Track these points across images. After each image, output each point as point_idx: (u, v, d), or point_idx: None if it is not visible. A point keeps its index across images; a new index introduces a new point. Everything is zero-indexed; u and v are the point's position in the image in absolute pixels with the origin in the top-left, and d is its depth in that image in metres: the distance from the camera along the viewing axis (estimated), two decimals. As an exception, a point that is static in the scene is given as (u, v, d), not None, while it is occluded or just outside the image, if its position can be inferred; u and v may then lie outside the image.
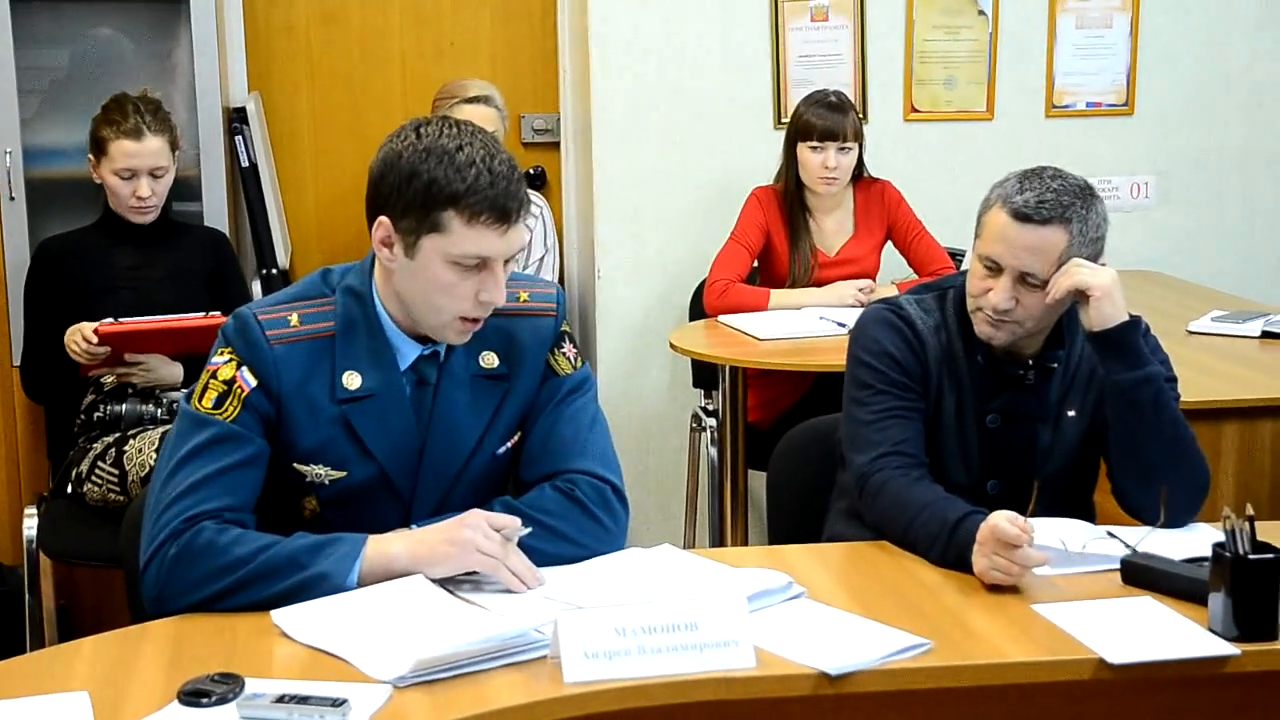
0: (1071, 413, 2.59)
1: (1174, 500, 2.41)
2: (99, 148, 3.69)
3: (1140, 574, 2.23)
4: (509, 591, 2.13)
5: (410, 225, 2.18)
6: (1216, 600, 2.06)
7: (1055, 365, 2.58)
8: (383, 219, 2.20)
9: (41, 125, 4.15)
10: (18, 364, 3.94)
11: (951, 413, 2.58)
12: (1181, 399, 2.58)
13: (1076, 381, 2.60)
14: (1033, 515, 2.26)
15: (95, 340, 3.49)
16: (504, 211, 2.16)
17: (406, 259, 2.20)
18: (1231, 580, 2.04)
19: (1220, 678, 2.05)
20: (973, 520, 2.28)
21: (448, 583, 2.15)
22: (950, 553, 2.31)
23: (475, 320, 2.24)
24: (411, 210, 2.17)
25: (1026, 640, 2.07)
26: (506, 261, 2.22)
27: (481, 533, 2.14)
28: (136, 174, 3.68)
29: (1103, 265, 2.49)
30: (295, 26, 4.77)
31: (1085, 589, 2.23)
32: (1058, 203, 2.46)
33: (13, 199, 4.07)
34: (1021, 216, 2.46)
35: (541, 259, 4.47)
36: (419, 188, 2.16)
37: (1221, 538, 2.08)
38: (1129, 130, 4.91)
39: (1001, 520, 2.20)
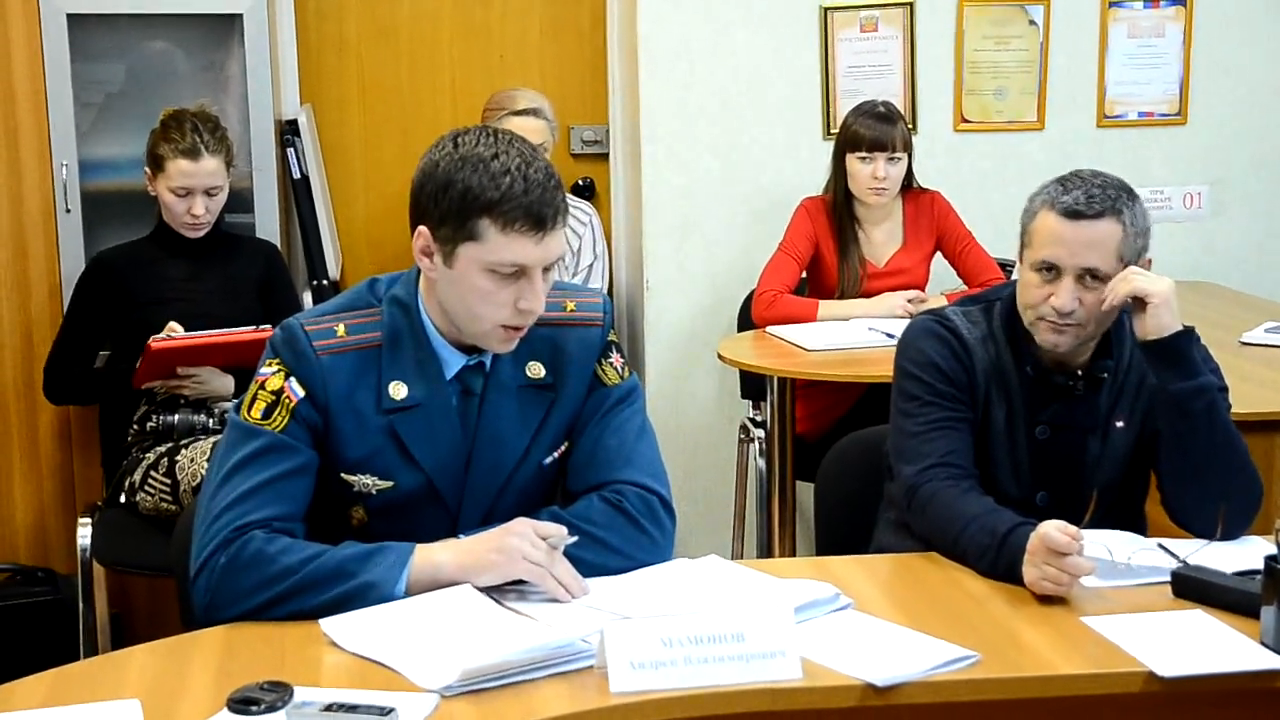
0: (1120, 423, 2.58)
1: (1226, 512, 2.40)
2: (156, 164, 3.73)
3: (1191, 586, 2.22)
4: (555, 601, 2.14)
5: (447, 234, 2.19)
6: (1269, 613, 2.04)
7: (1105, 375, 2.57)
8: (422, 228, 2.22)
9: (97, 138, 4.20)
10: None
11: (1001, 424, 2.57)
12: (1234, 410, 2.56)
13: (1125, 392, 2.59)
14: (1089, 524, 2.24)
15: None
16: (539, 218, 2.17)
17: (446, 268, 2.21)
18: (1284, 593, 2.03)
19: (1272, 692, 2.03)
20: (1022, 531, 2.27)
21: (494, 592, 2.15)
22: (1000, 564, 2.30)
23: (517, 329, 2.25)
24: (448, 219, 2.18)
25: (1075, 653, 2.05)
26: (547, 270, 2.22)
27: (528, 541, 2.15)
28: (192, 193, 3.72)
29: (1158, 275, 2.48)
30: (347, 40, 4.81)
31: (1135, 601, 2.21)
32: (1105, 196, 2.47)
33: (68, 211, 4.12)
34: (1074, 214, 2.46)
35: (591, 265, 4.49)
36: (454, 196, 2.17)
37: (1274, 550, 2.06)
38: (1182, 140, 4.88)
39: (1051, 529, 2.20)
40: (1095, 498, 2.36)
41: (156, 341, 3.53)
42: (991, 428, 2.57)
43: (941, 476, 2.49)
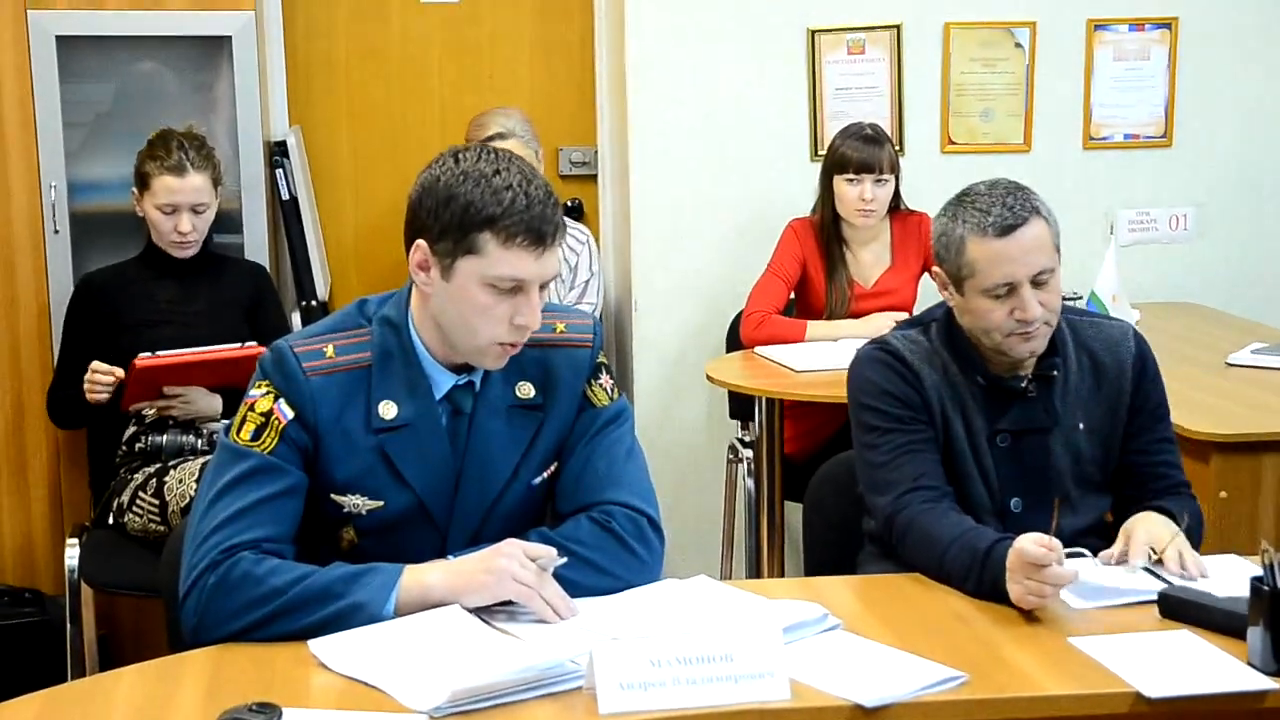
0: (1081, 425, 2.61)
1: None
2: (142, 182, 3.74)
3: (1178, 607, 2.22)
4: (544, 622, 2.14)
5: (447, 248, 2.20)
6: (1255, 634, 2.05)
7: (1055, 373, 2.60)
8: (420, 242, 2.23)
9: (86, 159, 4.20)
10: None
11: (962, 437, 2.59)
12: (1220, 431, 2.58)
13: (1081, 395, 2.62)
14: (1057, 531, 2.25)
15: (109, 376, 3.57)
16: (539, 234, 2.18)
17: (443, 282, 2.22)
18: (1270, 614, 2.03)
19: (1259, 712, 2.03)
20: (1002, 547, 2.29)
21: (483, 613, 2.15)
22: (985, 582, 2.31)
23: (512, 345, 2.26)
24: (448, 232, 2.19)
25: (1062, 673, 2.06)
26: (542, 287, 2.24)
27: (517, 562, 2.15)
28: (178, 209, 3.72)
29: None
30: (336, 61, 4.82)
31: (1122, 622, 2.22)
32: (1019, 201, 2.52)
33: (57, 232, 4.12)
34: (1007, 229, 2.49)
35: (587, 282, 4.51)
36: (456, 210, 2.18)
37: (1260, 571, 2.07)
38: (1167, 162, 4.90)
39: (1027, 543, 2.21)
40: (1058, 505, 2.38)
41: (141, 360, 3.54)
42: (953, 443, 2.59)
43: (916, 501, 2.50)
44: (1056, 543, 2.21)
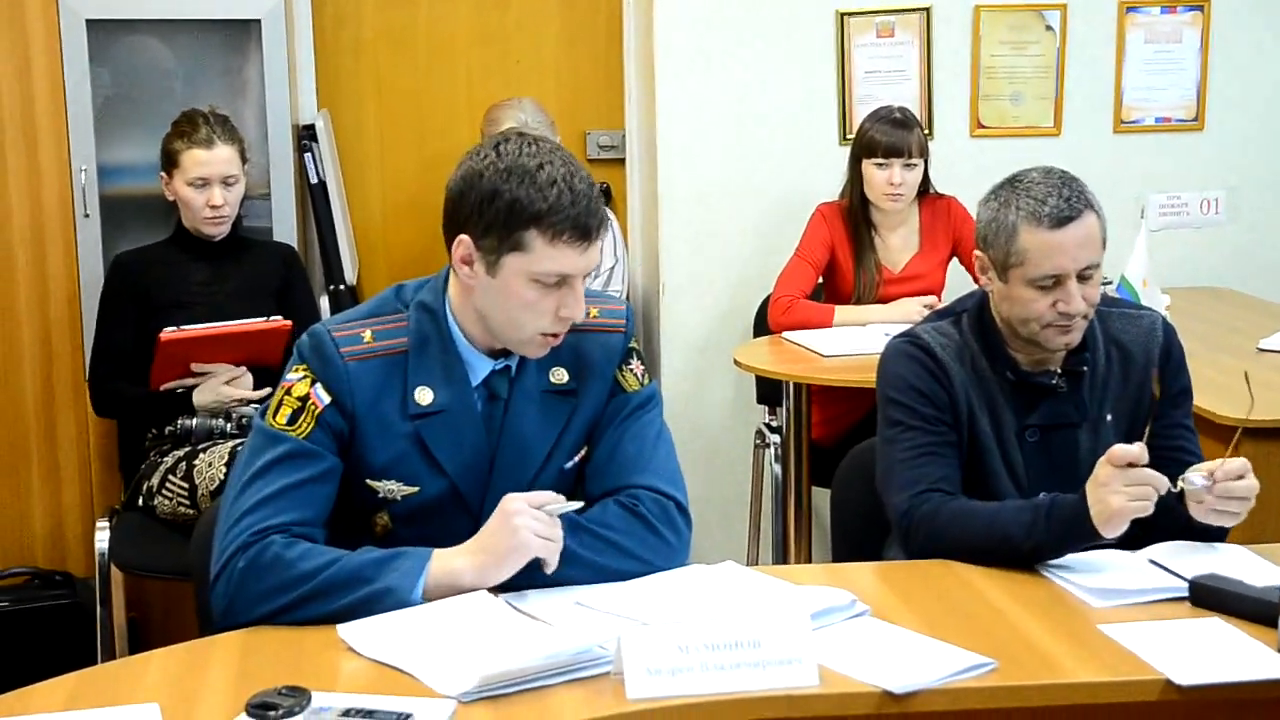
0: (1109, 417, 2.59)
1: None
2: (171, 160, 3.75)
3: (1209, 595, 2.21)
4: (574, 606, 2.14)
5: (492, 244, 2.20)
6: (1287, 622, 2.05)
7: (1084, 368, 2.58)
8: (463, 238, 2.22)
9: (114, 142, 4.21)
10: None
11: (989, 433, 2.57)
12: (1251, 417, 2.56)
13: (1110, 386, 2.61)
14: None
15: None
16: (585, 230, 2.19)
17: (488, 277, 2.22)
18: (1302, 602, 2.02)
19: (1290, 700, 2.02)
20: (1061, 498, 2.31)
21: (512, 597, 2.16)
22: (1054, 528, 2.31)
23: (555, 335, 2.27)
24: (493, 229, 2.19)
25: (1092, 660, 2.05)
26: (584, 276, 2.24)
27: (530, 517, 2.15)
28: (209, 182, 3.73)
29: None
30: (364, 46, 4.82)
31: (1152, 609, 2.21)
32: (1075, 192, 2.50)
33: (87, 215, 4.13)
34: (1063, 220, 2.47)
35: (612, 269, 4.50)
36: (501, 207, 2.18)
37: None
38: (1199, 146, 4.87)
39: (1118, 448, 2.25)
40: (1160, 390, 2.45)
41: (167, 334, 3.56)
42: (980, 439, 2.57)
43: (936, 498, 2.48)
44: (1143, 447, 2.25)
